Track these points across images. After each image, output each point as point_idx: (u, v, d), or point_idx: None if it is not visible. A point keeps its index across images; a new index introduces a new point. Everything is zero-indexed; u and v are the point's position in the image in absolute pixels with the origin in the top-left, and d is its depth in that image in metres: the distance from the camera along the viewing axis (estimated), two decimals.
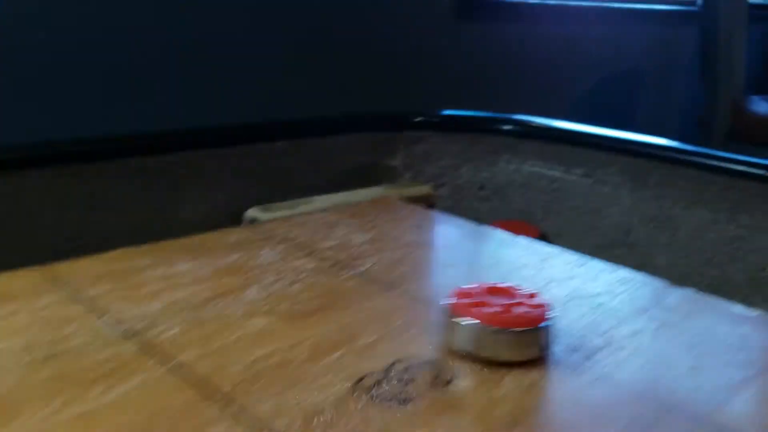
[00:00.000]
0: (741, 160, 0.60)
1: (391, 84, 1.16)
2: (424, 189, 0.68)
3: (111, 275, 0.43)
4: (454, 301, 0.35)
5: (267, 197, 0.64)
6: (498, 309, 0.34)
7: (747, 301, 0.61)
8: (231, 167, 0.61)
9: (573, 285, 0.44)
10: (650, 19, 1.69)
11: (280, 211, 0.58)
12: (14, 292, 0.40)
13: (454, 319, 0.35)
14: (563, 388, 0.32)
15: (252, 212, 0.59)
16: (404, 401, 0.30)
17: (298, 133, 0.65)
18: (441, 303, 0.36)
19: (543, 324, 0.34)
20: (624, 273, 0.46)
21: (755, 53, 2.12)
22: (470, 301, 0.35)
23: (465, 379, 0.32)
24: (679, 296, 0.43)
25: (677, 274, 0.64)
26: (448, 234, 0.54)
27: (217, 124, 0.62)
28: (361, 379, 0.32)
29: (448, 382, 0.32)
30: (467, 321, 0.34)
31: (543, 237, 0.74)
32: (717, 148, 1.37)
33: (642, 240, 0.66)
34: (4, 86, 0.80)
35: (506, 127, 0.75)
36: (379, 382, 0.31)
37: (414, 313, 0.39)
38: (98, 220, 0.54)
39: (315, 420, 0.29)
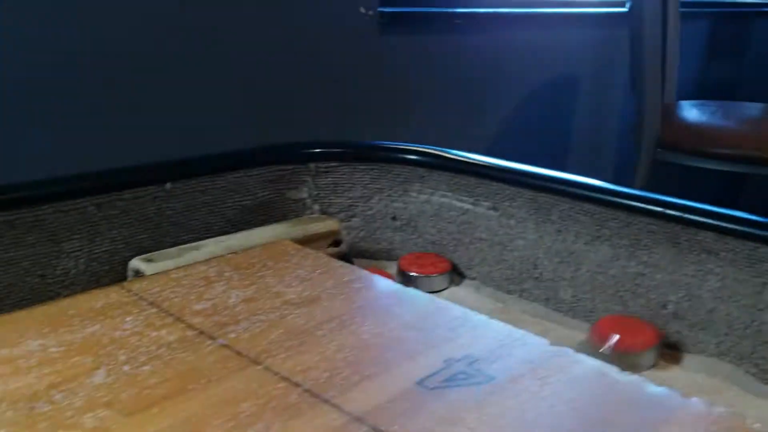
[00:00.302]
0: (639, 196, 0.58)
1: (306, 111, 1.14)
2: (330, 224, 0.66)
3: None
4: None
5: (158, 244, 0.61)
6: None
7: None
8: (116, 213, 0.58)
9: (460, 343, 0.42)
10: (584, 23, 1.69)
11: (166, 260, 0.55)
12: None
13: None
14: None
15: (135, 263, 0.56)
16: None
17: (190, 173, 0.62)
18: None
19: None
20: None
21: (695, 53, 2.14)
22: None
23: None
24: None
25: (582, 309, 0.63)
26: (336, 285, 0.51)
27: (99, 168, 0.59)
28: None
29: None
30: None
31: (455, 269, 0.73)
32: (646, 158, 1.38)
33: (548, 274, 0.65)
34: None
35: (416, 158, 0.74)
36: None
37: (270, 396, 0.37)
38: None
39: None
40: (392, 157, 0.74)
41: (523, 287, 0.67)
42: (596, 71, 1.76)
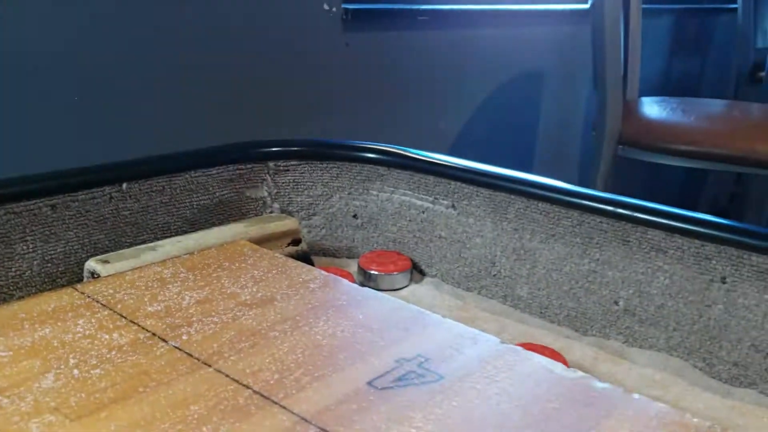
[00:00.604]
0: (591, 195, 0.60)
1: (269, 109, 1.14)
2: (289, 223, 0.66)
3: None
4: None
5: (115, 245, 0.61)
6: None
7: (602, 332, 0.61)
8: (71, 214, 0.57)
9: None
10: (548, 20, 1.71)
11: (121, 261, 0.54)
12: None
13: None
14: None
15: (91, 264, 0.55)
16: None
17: (147, 172, 0.61)
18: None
19: None
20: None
21: (659, 50, 2.17)
22: None
23: None
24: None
25: (537, 306, 0.64)
26: (291, 286, 0.52)
27: (52, 170, 0.58)
28: None
29: None
30: None
31: (415, 266, 0.73)
32: (608, 154, 1.40)
33: (506, 271, 0.66)
34: None
35: (376, 156, 0.74)
36: None
37: (220, 398, 0.37)
38: None
39: None
40: (352, 156, 0.75)
41: (481, 284, 0.68)
42: (561, 68, 1.78)
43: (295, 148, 0.74)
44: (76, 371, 0.39)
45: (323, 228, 0.77)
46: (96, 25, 0.99)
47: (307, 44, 1.17)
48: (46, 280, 0.58)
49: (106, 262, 0.57)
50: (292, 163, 0.74)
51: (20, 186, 0.57)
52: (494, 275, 0.67)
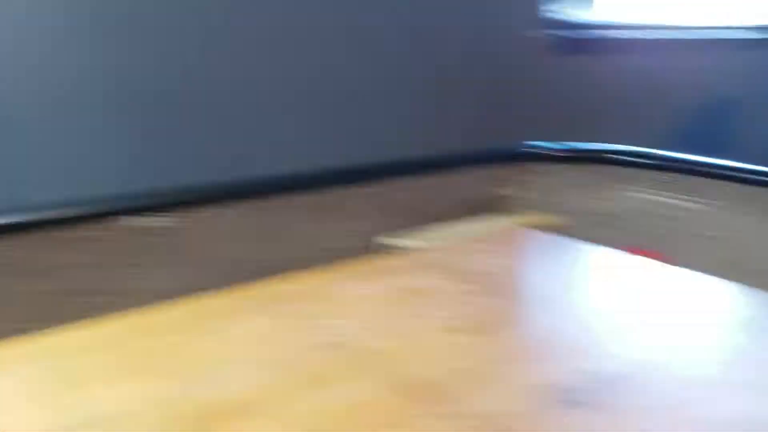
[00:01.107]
0: None
1: (497, 120, 1.21)
2: (548, 218, 0.73)
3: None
4: None
5: (392, 227, 0.70)
6: None
7: None
8: (364, 202, 0.67)
9: None
10: (737, 46, 1.69)
11: (403, 239, 0.63)
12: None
13: None
14: None
15: (381, 239, 0.65)
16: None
17: (417, 170, 0.70)
18: None
19: None
20: None
21: None
22: None
23: None
24: None
25: None
26: (583, 263, 0.57)
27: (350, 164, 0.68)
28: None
29: None
30: None
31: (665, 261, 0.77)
32: None
33: (762, 264, 0.68)
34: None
35: (623, 158, 0.79)
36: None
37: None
38: (272, 248, 0.61)
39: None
40: (599, 158, 0.80)
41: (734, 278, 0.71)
42: (755, 93, 1.74)
43: (548, 152, 0.81)
44: (454, 307, 0.46)
45: (571, 227, 0.82)
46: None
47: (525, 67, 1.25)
48: (346, 252, 0.67)
49: (392, 237, 0.65)
50: (546, 164, 0.81)
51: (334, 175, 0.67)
52: (750, 269, 0.69)
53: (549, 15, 1.31)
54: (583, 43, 1.42)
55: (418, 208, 0.72)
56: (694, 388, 0.36)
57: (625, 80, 1.45)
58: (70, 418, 0.33)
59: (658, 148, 0.86)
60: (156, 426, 0.33)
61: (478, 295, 0.48)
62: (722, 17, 1.67)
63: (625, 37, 1.48)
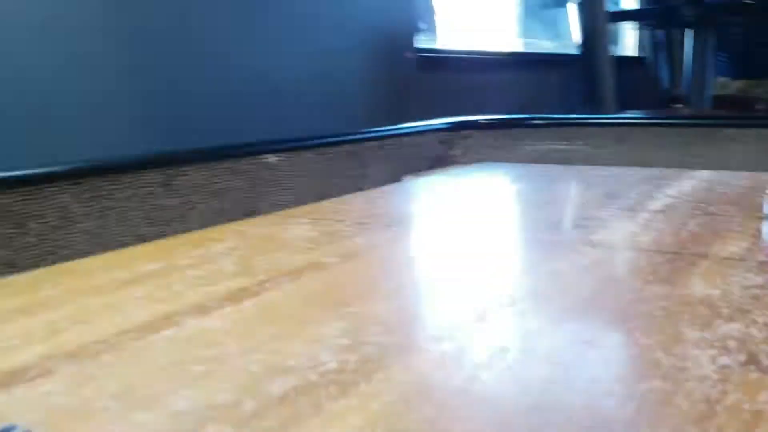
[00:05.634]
0: None
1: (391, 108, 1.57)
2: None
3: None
4: None
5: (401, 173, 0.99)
6: None
7: None
8: (388, 153, 0.96)
9: None
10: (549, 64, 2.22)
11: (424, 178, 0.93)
12: None
13: None
14: None
15: (407, 178, 0.94)
16: None
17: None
18: None
19: None
20: None
21: None
22: None
23: None
24: None
25: None
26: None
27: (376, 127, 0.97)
28: None
29: None
30: None
31: None
32: None
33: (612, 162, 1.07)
34: None
35: (528, 122, 1.15)
36: None
37: None
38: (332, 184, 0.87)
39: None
40: (512, 123, 1.16)
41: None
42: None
43: (477, 121, 1.15)
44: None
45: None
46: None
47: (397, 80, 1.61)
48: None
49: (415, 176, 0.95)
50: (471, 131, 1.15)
51: (365, 134, 0.95)
52: None
53: (416, 42, 1.71)
54: (433, 61, 1.83)
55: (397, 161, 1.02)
56: None
57: (459, 84, 1.90)
58: None
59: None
60: None
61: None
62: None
63: (456, 56, 1.91)
